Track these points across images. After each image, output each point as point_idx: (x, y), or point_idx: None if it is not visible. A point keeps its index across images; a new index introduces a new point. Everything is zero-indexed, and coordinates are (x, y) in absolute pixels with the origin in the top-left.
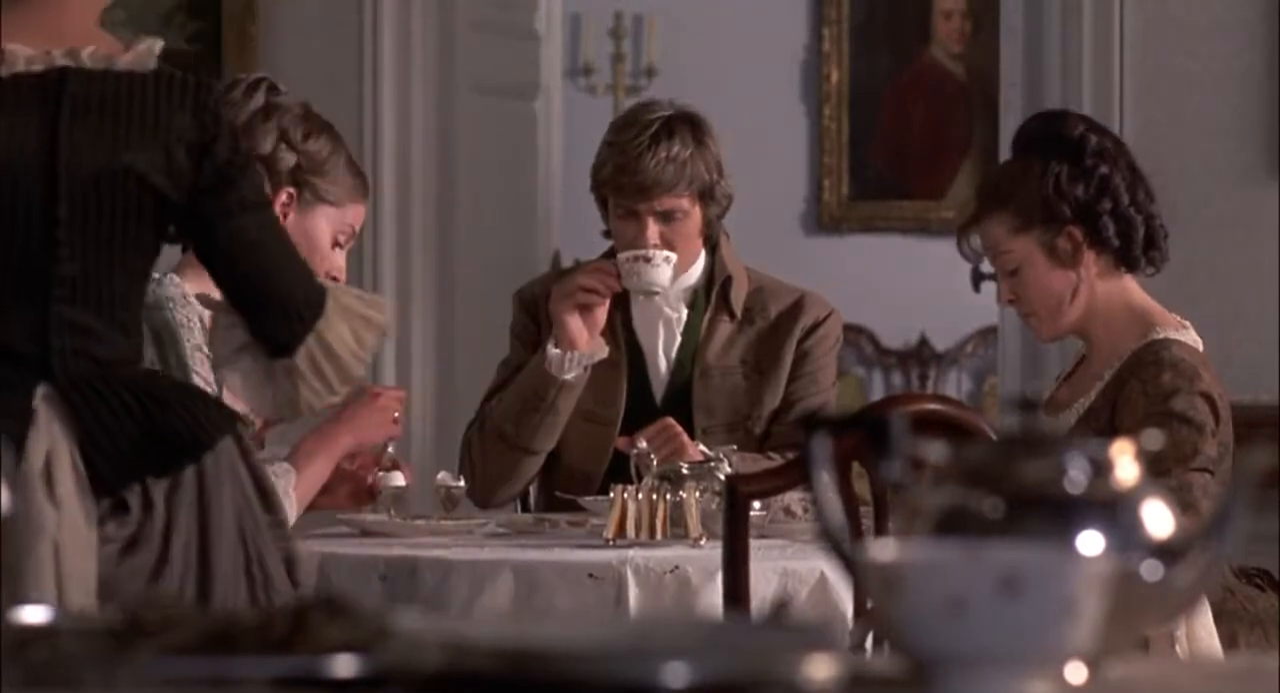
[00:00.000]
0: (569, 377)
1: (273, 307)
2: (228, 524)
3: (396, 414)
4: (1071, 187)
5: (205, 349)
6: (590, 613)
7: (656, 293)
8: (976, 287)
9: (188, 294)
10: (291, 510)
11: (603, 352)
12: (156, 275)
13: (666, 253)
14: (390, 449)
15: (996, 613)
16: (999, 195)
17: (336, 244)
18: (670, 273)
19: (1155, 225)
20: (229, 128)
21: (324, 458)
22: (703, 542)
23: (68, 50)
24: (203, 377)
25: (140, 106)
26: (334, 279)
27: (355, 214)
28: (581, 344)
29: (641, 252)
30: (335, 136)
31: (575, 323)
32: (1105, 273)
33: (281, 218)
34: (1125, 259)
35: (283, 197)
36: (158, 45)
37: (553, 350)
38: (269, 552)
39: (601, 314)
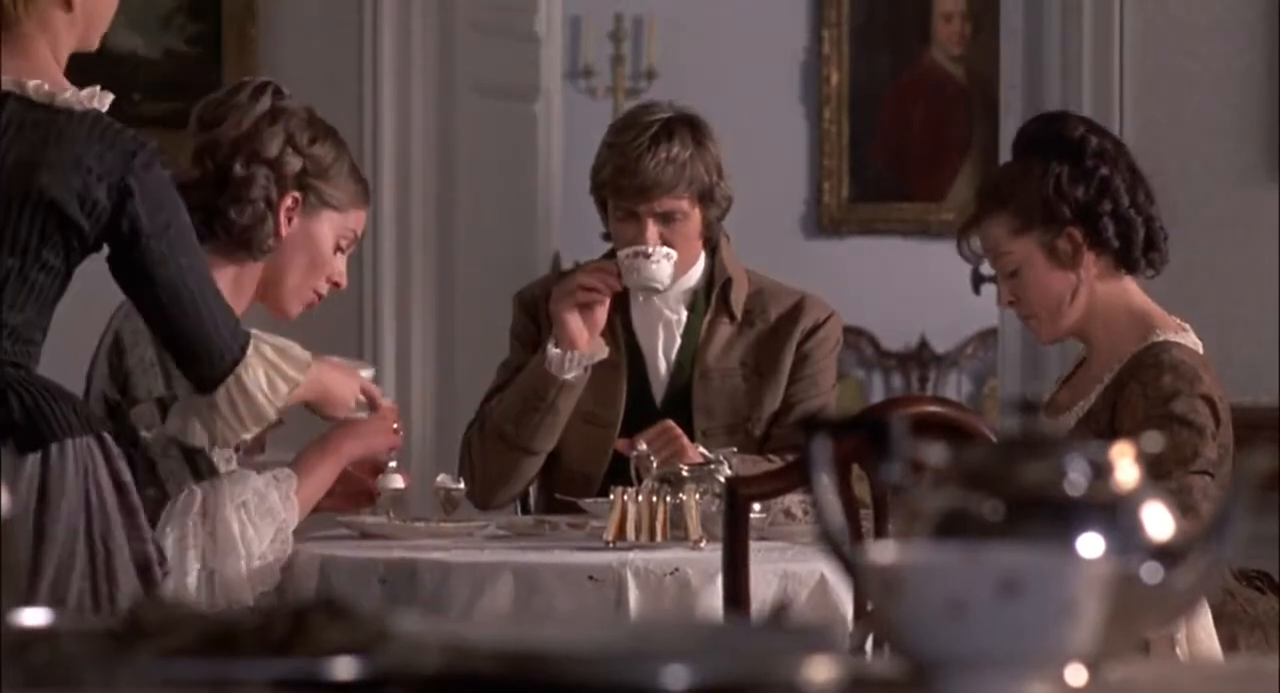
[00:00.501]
0: (569, 376)
1: (196, 348)
2: (66, 515)
3: (396, 425)
4: (1072, 188)
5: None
6: (590, 615)
7: (657, 289)
8: (976, 289)
9: None
10: (293, 515)
11: (603, 352)
12: None
13: (666, 249)
14: (393, 463)
15: (996, 615)
16: (999, 197)
17: (338, 249)
18: (671, 269)
19: (1155, 227)
20: (156, 182)
21: (329, 464)
22: (703, 544)
23: (15, 80)
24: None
25: (70, 139)
26: (335, 285)
27: (357, 220)
28: (582, 344)
29: (641, 248)
30: (339, 142)
31: (575, 322)
32: (1105, 274)
33: (286, 222)
34: (1125, 261)
35: (288, 201)
36: (108, 99)
37: (553, 350)
38: (118, 552)
39: (602, 314)
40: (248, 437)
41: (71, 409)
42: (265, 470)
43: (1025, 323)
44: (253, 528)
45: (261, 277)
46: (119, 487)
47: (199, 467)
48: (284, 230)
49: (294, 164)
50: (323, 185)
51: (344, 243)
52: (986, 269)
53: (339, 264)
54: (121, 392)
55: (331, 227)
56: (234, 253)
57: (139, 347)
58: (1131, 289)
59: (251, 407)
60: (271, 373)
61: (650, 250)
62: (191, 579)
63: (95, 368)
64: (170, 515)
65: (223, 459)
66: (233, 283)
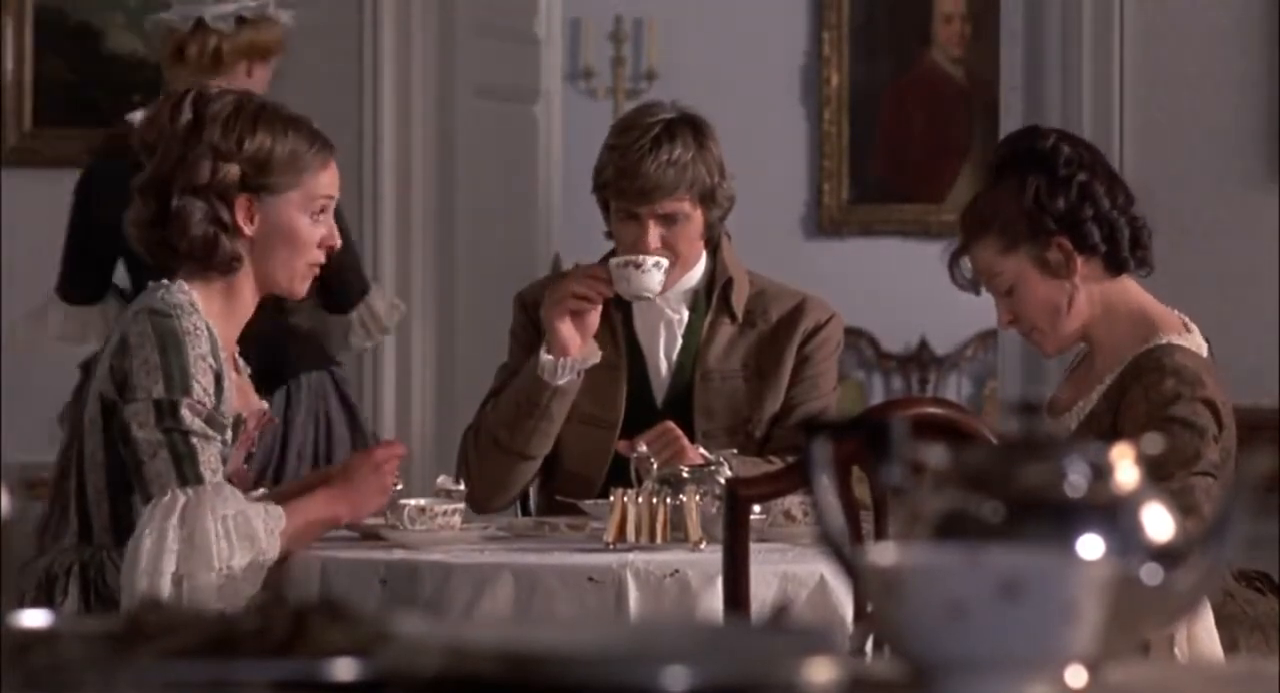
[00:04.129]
0: (561, 382)
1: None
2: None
3: (395, 478)
4: (1051, 199)
5: (209, 358)
6: (590, 617)
7: (648, 299)
8: (977, 291)
9: (195, 302)
10: (273, 551)
11: (595, 357)
12: (165, 282)
13: (658, 259)
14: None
15: (996, 617)
16: (982, 220)
17: (314, 217)
18: (662, 279)
19: (1139, 226)
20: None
21: (315, 524)
22: (703, 545)
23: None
24: (202, 385)
25: None
26: (330, 249)
27: (321, 183)
28: (573, 350)
29: (633, 258)
30: (270, 118)
31: (567, 329)
32: (1098, 277)
33: (248, 224)
34: (1114, 262)
35: (240, 208)
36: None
37: (545, 356)
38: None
39: (594, 320)
40: (369, 345)
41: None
42: (257, 502)
43: (1027, 339)
44: (228, 544)
45: (255, 276)
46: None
47: (185, 473)
48: (248, 232)
49: (231, 174)
50: (268, 177)
51: (316, 209)
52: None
53: (321, 230)
54: (120, 390)
55: (295, 205)
56: (208, 272)
57: (144, 348)
58: (1132, 289)
59: (376, 324)
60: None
61: (641, 260)
62: (166, 582)
63: (98, 366)
64: (151, 516)
65: (209, 471)
66: (223, 298)
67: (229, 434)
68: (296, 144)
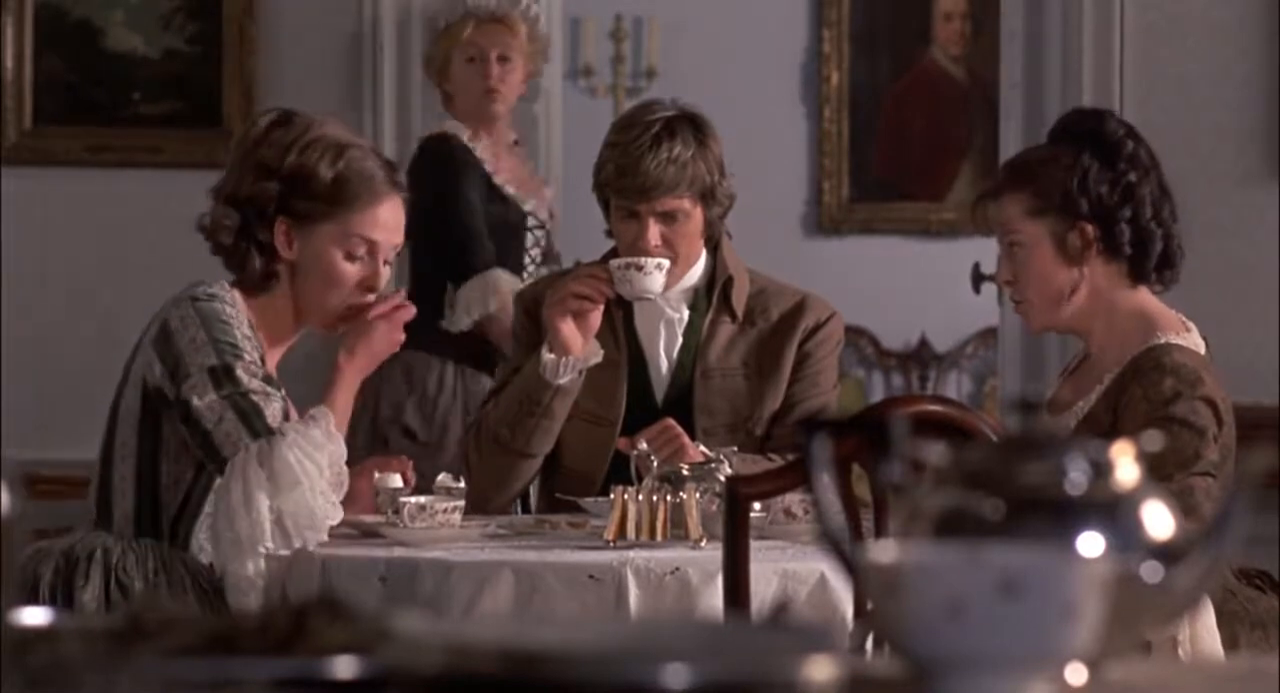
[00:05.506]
0: (563, 382)
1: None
2: None
3: (400, 330)
4: (1097, 185)
5: (252, 340)
6: (591, 615)
7: (649, 300)
8: (977, 288)
9: (236, 299)
10: (339, 447)
11: (597, 356)
12: (204, 281)
13: (659, 260)
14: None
15: (996, 615)
16: (1023, 175)
17: (351, 257)
18: (663, 280)
19: (1173, 245)
20: None
21: (345, 388)
22: (703, 543)
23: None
24: (250, 355)
25: None
26: (369, 289)
27: (367, 221)
28: (575, 349)
29: (634, 260)
30: (329, 146)
31: (568, 328)
32: (1116, 281)
33: (287, 247)
34: (1138, 271)
35: (279, 231)
36: None
37: (547, 355)
38: None
39: (595, 319)
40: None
41: None
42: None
43: (1017, 308)
44: (311, 462)
45: (294, 301)
46: None
47: (255, 427)
48: (287, 256)
49: (268, 190)
50: (305, 202)
51: (355, 247)
52: (986, 268)
53: (360, 270)
54: (172, 373)
55: (330, 239)
56: (249, 289)
57: (189, 330)
58: (1138, 293)
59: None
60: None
61: (642, 262)
62: (265, 525)
63: (137, 357)
64: (232, 470)
65: (277, 421)
66: (260, 315)
67: (284, 391)
68: (348, 175)
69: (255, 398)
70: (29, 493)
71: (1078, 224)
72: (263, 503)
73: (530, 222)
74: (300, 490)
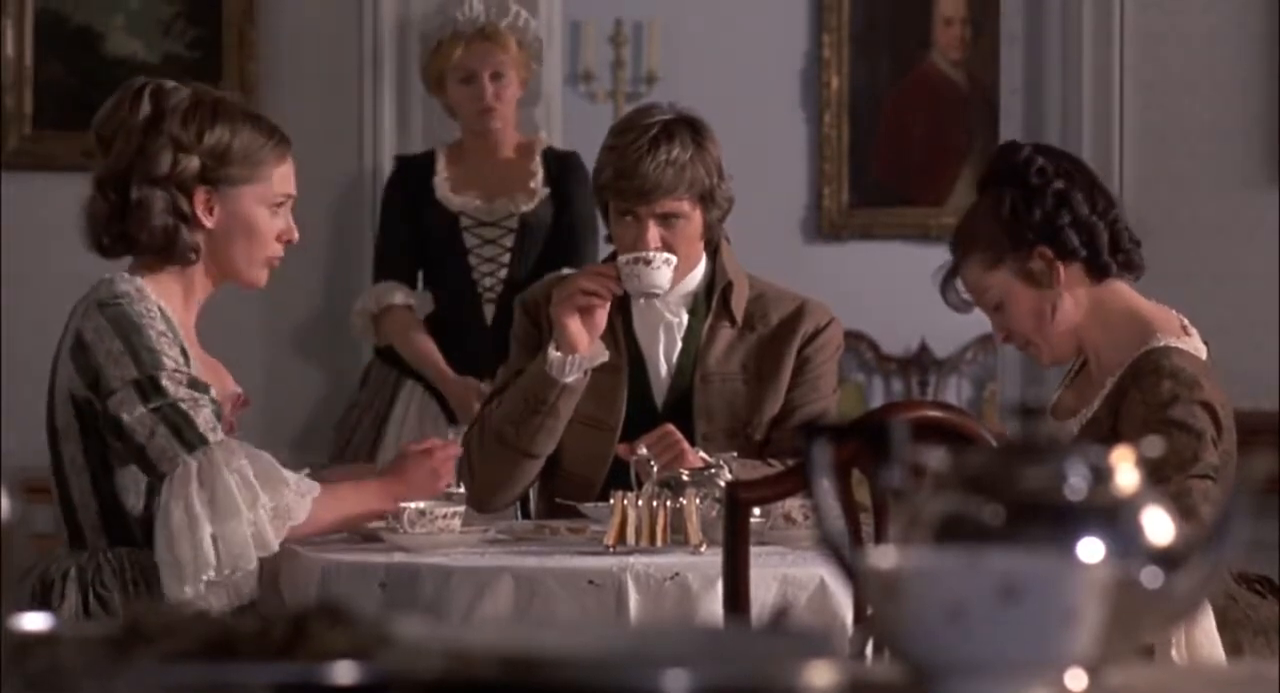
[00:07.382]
0: (569, 380)
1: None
2: None
3: (451, 479)
4: (1029, 209)
5: (169, 335)
6: (590, 620)
7: (656, 295)
8: (969, 309)
9: (143, 288)
10: (300, 513)
11: (603, 355)
12: (107, 275)
13: (666, 255)
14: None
15: (996, 620)
16: (967, 240)
17: (273, 210)
18: (670, 275)
19: (1119, 229)
20: None
21: (359, 499)
22: (703, 549)
23: None
24: (172, 358)
25: None
26: (288, 241)
27: (279, 179)
28: (582, 347)
29: (641, 254)
30: (229, 113)
31: (576, 326)
32: (1083, 283)
33: (207, 215)
34: (1096, 266)
35: (199, 200)
36: None
37: (554, 353)
38: None
39: (602, 317)
40: None
41: None
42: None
43: (1025, 352)
44: (250, 491)
45: (214, 265)
46: None
47: (188, 440)
48: (208, 224)
49: (190, 166)
50: (227, 169)
51: (274, 202)
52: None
53: (279, 223)
54: (93, 387)
55: (253, 198)
56: (168, 263)
57: (104, 341)
58: (1122, 293)
59: None
60: None
61: (650, 256)
62: (208, 549)
63: (59, 370)
64: (170, 490)
65: (209, 431)
66: (183, 286)
67: (214, 393)
68: (254, 138)
69: (184, 406)
70: (29, 498)
71: (1033, 251)
72: (205, 530)
73: (466, 222)
74: (239, 525)
